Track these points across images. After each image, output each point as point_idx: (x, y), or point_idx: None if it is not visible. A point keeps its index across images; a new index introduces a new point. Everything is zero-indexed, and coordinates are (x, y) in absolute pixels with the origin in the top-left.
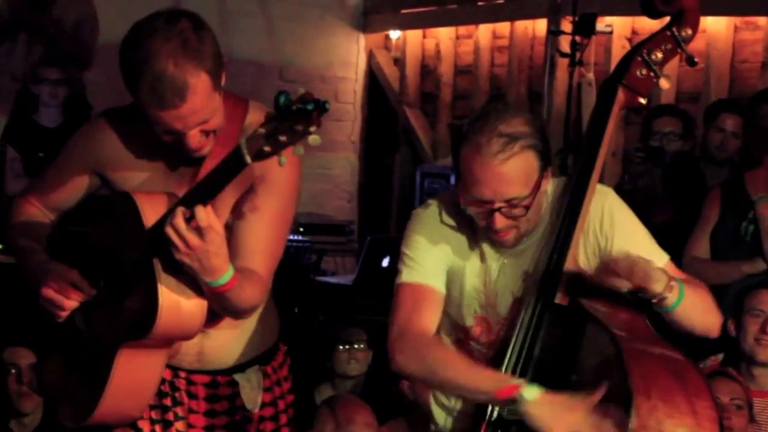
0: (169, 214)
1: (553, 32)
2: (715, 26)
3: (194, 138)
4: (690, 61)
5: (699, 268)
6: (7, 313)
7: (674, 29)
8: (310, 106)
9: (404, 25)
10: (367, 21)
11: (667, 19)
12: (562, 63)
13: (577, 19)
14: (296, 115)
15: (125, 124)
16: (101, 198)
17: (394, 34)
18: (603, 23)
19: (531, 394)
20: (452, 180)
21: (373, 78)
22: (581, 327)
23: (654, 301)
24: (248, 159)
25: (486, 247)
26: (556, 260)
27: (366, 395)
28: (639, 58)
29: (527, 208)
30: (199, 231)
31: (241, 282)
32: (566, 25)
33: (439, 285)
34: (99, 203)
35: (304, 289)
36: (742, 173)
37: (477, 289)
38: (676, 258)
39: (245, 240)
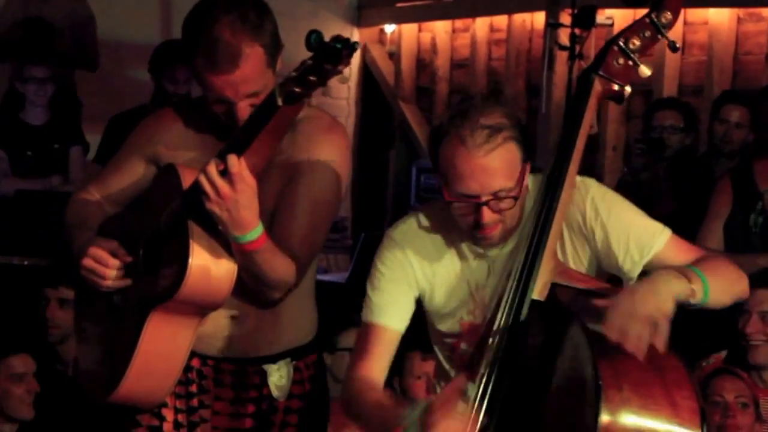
0: (205, 166)
1: (552, 25)
2: (718, 18)
3: (243, 109)
4: (672, 46)
5: None
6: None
7: (653, 15)
8: (339, 45)
9: (399, 19)
10: (361, 15)
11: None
12: (561, 56)
13: (576, 11)
14: (326, 54)
15: (184, 114)
16: None
17: (389, 28)
18: (603, 15)
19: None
20: None
21: (368, 72)
22: (560, 325)
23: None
24: (279, 101)
25: (469, 253)
26: (533, 253)
27: None
28: (615, 48)
29: (515, 198)
30: (231, 179)
31: (272, 248)
32: (565, 18)
33: (391, 323)
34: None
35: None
36: (751, 163)
37: (464, 297)
38: None
39: (284, 222)
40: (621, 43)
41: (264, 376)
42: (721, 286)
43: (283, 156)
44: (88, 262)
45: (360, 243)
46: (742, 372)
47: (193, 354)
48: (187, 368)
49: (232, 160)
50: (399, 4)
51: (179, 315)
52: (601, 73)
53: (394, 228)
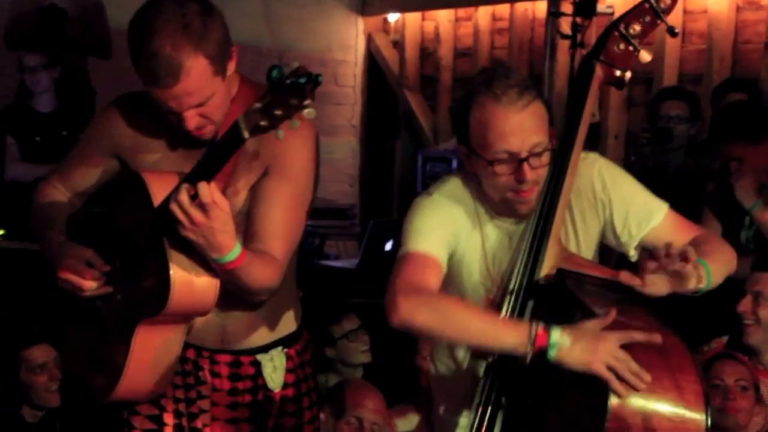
0: (175, 193)
1: (554, 14)
2: (717, 6)
3: (191, 119)
4: (671, 31)
5: None
6: (14, 299)
7: (652, 0)
8: (302, 80)
9: (403, 8)
10: (365, 4)
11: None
12: (563, 45)
13: (577, 0)
14: (290, 89)
15: (141, 107)
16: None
17: (393, 17)
18: (604, 4)
19: (558, 337)
20: (454, 164)
21: (373, 61)
22: (568, 308)
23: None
24: (246, 134)
25: (489, 227)
26: (539, 239)
27: (368, 379)
28: (616, 33)
29: (552, 152)
30: (203, 207)
31: (251, 261)
32: (567, 7)
33: (443, 258)
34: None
35: (308, 273)
36: (729, 183)
37: (482, 271)
38: None
39: (260, 223)
40: (621, 29)
41: (258, 366)
42: (719, 268)
43: (251, 154)
44: (65, 273)
45: (368, 230)
46: (743, 356)
47: (188, 345)
48: (184, 360)
49: (203, 189)
50: None
51: (167, 324)
52: (602, 58)
53: (434, 188)
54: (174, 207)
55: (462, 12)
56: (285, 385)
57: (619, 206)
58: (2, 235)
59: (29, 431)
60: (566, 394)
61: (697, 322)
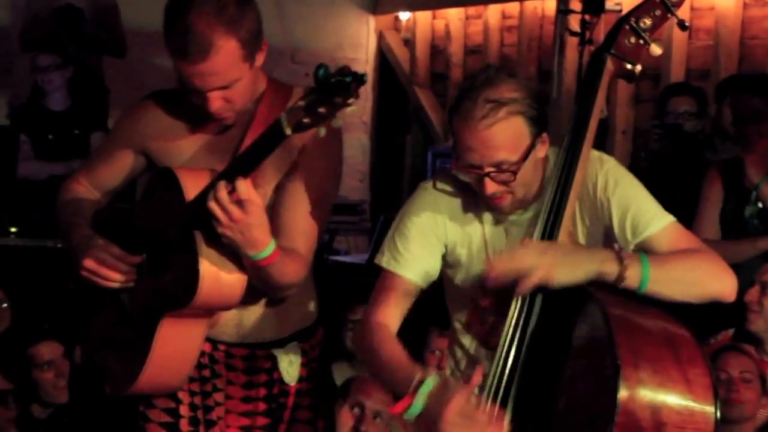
0: (211, 187)
1: (563, 11)
2: (725, 3)
3: (214, 100)
4: (681, 25)
5: (711, 248)
6: (25, 296)
7: None
8: (348, 78)
9: (414, 6)
10: (376, 2)
11: None
12: (572, 42)
13: None
14: (335, 88)
15: (170, 104)
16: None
17: (404, 15)
18: (612, 1)
19: (416, 408)
20: None
21: (384, 59)
22: (576, 301)
23: (619, 285)
24: (288, 131)
25: (489, 218)
26: (549, 230)
27: None
28: (627, 27)
29: (514, 173)
30: (241, 204)
31: (283, 257)
32: (576, 4)
33: (413, 276)
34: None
35: (318, 268)
36: (740, 156)
37: (482, 262)
38: None
39: (287, 219)
40: (632, 22)
41: (274, 360)
42: (681, 281)
43: (278, 152)
44: (90, 263)
45: (379, 225)
46: (749, 348)
47: (205, 339)
48: (200, 353)
49: (242, 186)
50: None
51: (191, 317)
52: (613, 51)
53: (427, 181)
54: (213, 204)
55: (472, 10)
56: (300, 379)
57: (618, 209)
58: (14, 233)
59: (39, 427)
60: (576, 387)
61: (705, 314)
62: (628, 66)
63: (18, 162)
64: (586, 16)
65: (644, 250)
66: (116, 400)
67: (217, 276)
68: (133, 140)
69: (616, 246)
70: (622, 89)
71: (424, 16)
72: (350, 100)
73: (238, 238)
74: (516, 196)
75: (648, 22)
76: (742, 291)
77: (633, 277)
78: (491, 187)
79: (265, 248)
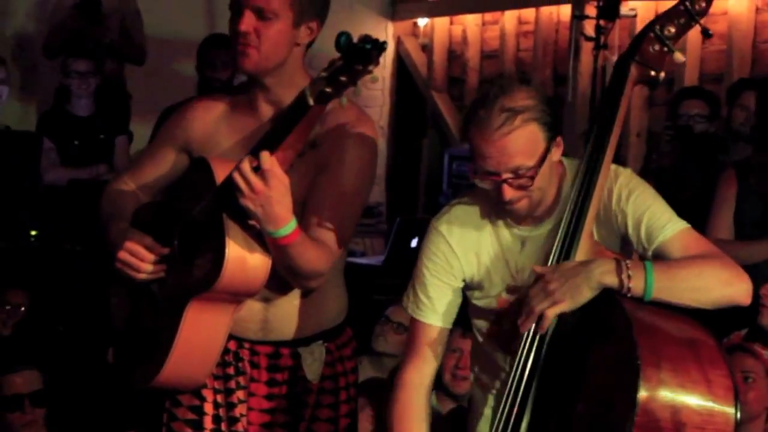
0: (238, 162)
1: (578, 17)
2: (737, 8)
3: (246, 20)
4: (705, 32)
5: (726, 250)
6: (41, 298)
7: (687, 3)
8: (368, 45)
9: (431, 13)
10: (395, 9)
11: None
12: (587, 47)
13: (601, 3)
14: (356, 55)
15: (213, 106)
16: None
17: (422, 22)
18: (627, 7)
19: None
20: None
21: (402, 64)
22: (598, 304)
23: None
24: (311, 101)
25: (507, 235)
26: (570, 236)
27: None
28: (651, 34)
29: (532, 177)
30: (264, 175)
31: (304, 241)
32: (590, 10)
33: (437, 322)
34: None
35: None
36: (764, 154)
37: (502, 275)
38: None
39: (315, 212)
40: (657, 30)
41: (298, 358)
42: (689, 288)
43: (313, 147)
44: (123, 255)
45: (395, 227)
46: (758, 346)
47: (229, 337)
48: (225, 351)
49: (265, 156)
50: None
51: (216, 303)
52: (637, 59)
53: (437, 219)
54: (235, 174)
55: (489, 16)
56: (323, 377)
57: (632, 219)
58: (35, 236)
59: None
60: (595, 388)
61: (718, 314)
62: (652, 73)
63: (44, 168)
64: (601, 22)
65: (659, 256)
66: (143, 397)
67: (242, 257)
68: (177, 139)
69: (631, 256)
70: (637, 93)
71: (441, 22)
72: (370, 67)
73: (259, 211)
74: (533, 200)
75: (672, 30)
76: (756, 290)
77: (637, 286)
78: (509, 192)
79: (285, 225)
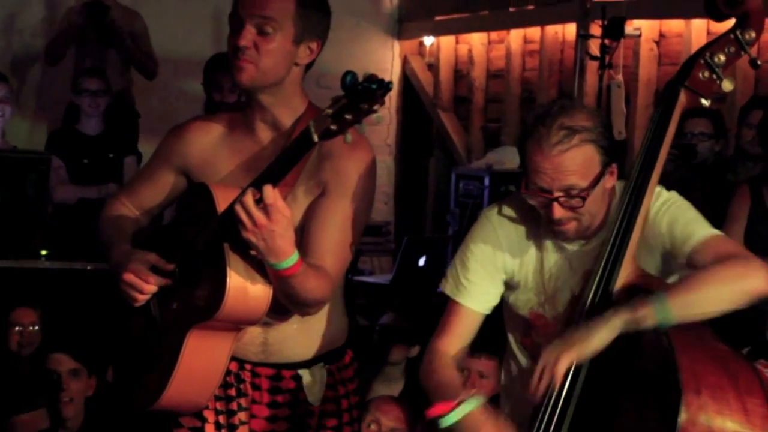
0: (240, 196)
1: (583, 36)
2: None
3: (246, 34)
4: (753, 63)
5: None
6: (51, 317)
7: (738, 32)
8: (374, 86)
9: (438, 32)
10: (401, 28)
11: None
12: (592, 66)
13: (606, 23)
14: (361, 94)
15: (212, 127)
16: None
17: (428, 41)
18: (631, 26)
19: (451, 419)
20: (486, 182)
21: (408, 83)
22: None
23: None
24: (315, 138)
25: (550, 246)
26: (613, 259)
27: (410, 385)
28: (702, 61)
29: (584, 198)
30: (266, 209)
31: (306, 271)
32: (595, 29)
33: (476, 306)
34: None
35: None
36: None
37: (537, 286)
38: None
39: (315, 239)
40: (707, 57)
41: (299, 380)
42: (705, 296)
43: (311, 173)
44: (128, 276)
45: (403, 246)
46: (763, 365)
47: (232, 358)
48: (227, 372)
49: (268, 191)
50: (438, 18)
51: (217, 331)
52: (687, 84)
53: (489, 208)
54: (238, 208)
55: (495, 35)
56: (325, 400)
57: (668, 233)
58: (45, 256)
59: None
60: (635, 409)
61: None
62: (702, 100)
63: (54, 187)
64: (606, 41)
65: (692, 266)
66: (145, 418)
67: (243, 287)
68: (174, 160)
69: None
70: (641, 112)
71: (447, 41)
72: (375, 107)
73: (261, 244)
74: (582, 224)
75: (722, 58)
76: (756, 306)
77: (649, 317)
78: (559, 211)
79: (287, 258)
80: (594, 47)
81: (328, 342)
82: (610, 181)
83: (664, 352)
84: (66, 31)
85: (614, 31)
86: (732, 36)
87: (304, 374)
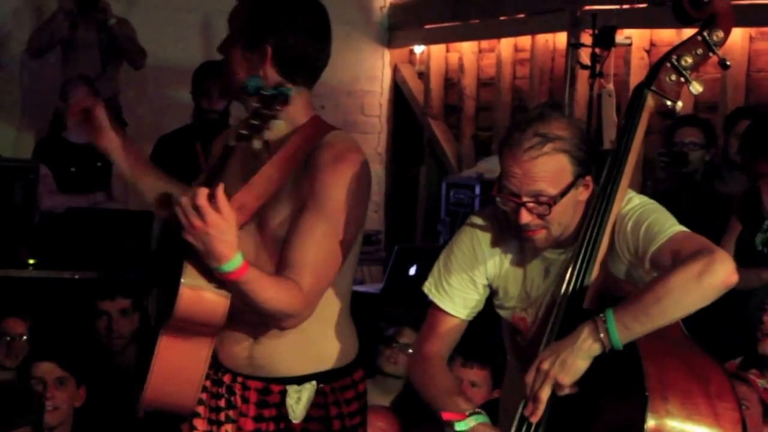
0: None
1: (574, 45)
2: (731, 37)
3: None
4: (723, 64)
5: None
6: (39, 327)
7: (705, 33)
8: (271, 92)
9: (428, 40)
10: (391, 36)
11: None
12: (583, 75)
13: (596, 32)
14: (263, 100)
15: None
16: None
17: (418, 49)
18: (622, 35)
19: (462, 427)
20: (477, 190)
21: (398, 91)
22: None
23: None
24: (232, 142)
25: (529, 251)
26: (584, 266)
27: (405, 398)
28: (668, 64)
29: (550, 206)
30: (199, 213)
31: (259, 279)
32: (586, 38)
33: (455, 311)
34: None
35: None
36: (758, 185)
37: (520, 292)
38: None
39: (290, 253)
40: (674, 60)
41: (285, 395)
42: (666, 306)
43: (295, 182)
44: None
45: (393, 255)
46: (755, 376)
47: (226, 370)
48: (219, 382)
49: (199, 192)
50: (428, 26)
51: (188, 334)
52: (653, 88)
53: (474, 214)
54: (176, 208)
55: (485, 43)
56: (310, 419)
57: (632, 237)
58: (32, 265)
59: None
60: (607, 414)
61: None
62: (668, 103)
63: (41, 195)
64: (597, 50)
65: (655, 268)
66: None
67: (198, 288)
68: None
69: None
70: None
71: (438, 50)
72: (273, 113)
73: (200, 246)
74: (551, 234)
75: (690, 60)
76: (749, 316)
77: (605, 340)
78: (526, 217)
79: (226, 262)
80: (585, 56)
81: (324, 360)
82: (584, 194)
83: (630, 359)
84: (54, 16)
85: (605, 40)
86: (699, 38)
87: (291, 389)
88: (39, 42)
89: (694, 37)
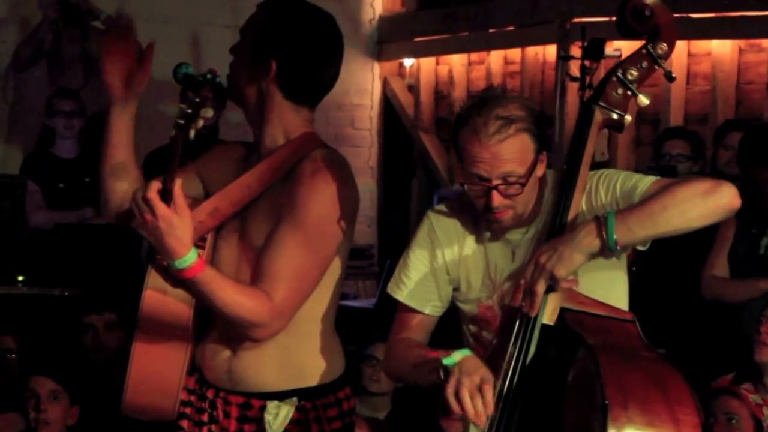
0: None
1: (563, 57)
2: (721, 49)
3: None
4: (668, 76)
5: (718, 286)
6: (31, 342)
7: (649, 46)
8: (199, 78)
9: (418, 53)
10: (381, 49)
11: None
12: (573, 87)
13: (586, 44)
14: (192, 86)
15: (233, 146)
16: None
17: (408, 62)
18: (611, 48)
19: (451, 360)
20: None
21: (389, 105)
22: (570, 347)
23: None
24: (172, 132)
25: (488, 236)
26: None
27: (395, 417)
28: (614, 78)
29: (522, 185)
30: (149, 206)
31: (217, 280)
32: (576, 51)
33: (423, 307)
34: None
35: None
36: (758, 193)
37: (484, 279)
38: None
39: (263, 263)
40: (619, 74)
41: (264, 411)
42: (669, 214)
43: (277, 195)
44: None
45: (386, 269)
46: (747, 390)
47: (209, 385)
48: (203, 398)
49: (151, 186)
50: (417, 39)
51: (160, 337)
52: (600, 103)
53: (430, 210)
54: (130, 201)
55: (475, 56)
56: None
57: (608, 197)
58: (21, 281)
59: None
60: (570, 426)
61: (710, 358)
62: (615, 116)
63: (30, 211)
64: (586, 62)
65: None
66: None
67: (162, 289)
68: (198, 165)
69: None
70: (624, 133)
71: (427, 63)
72: (202, 99)
73: (152, 240)
74: (517, 212)
75: (635, 73)
76: (743, 327)
77: (606, 237)
78: (498, 200)
79: (179, 258)
80: (574, 68)
81: (306, 376)
82: (541, 169)
83: (591, 367)
84: (38, 27)
85: (594, 52)
86: (644, 51)
87: (270, 406)
88: (24, 55)
89: (639, 50)
